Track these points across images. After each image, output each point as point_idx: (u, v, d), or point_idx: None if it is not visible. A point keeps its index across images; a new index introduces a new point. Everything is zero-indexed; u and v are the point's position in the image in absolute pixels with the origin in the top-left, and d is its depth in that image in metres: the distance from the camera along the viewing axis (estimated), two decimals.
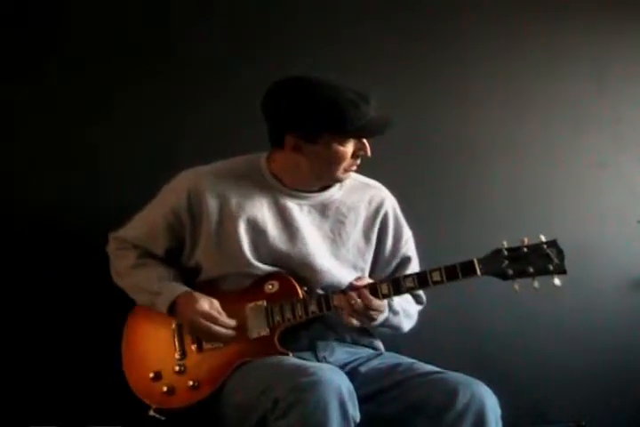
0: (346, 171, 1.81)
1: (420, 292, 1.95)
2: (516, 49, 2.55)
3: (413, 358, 1.87)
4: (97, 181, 2.28)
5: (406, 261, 1.95)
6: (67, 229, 2.23)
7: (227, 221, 1.82)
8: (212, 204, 1.82)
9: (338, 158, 1.76)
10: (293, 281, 1.81)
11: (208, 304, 1.78)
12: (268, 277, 1.82)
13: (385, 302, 1.75)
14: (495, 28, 2.54)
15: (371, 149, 1.78)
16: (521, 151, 2.53)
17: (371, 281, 1.76)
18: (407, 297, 1.91)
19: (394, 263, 1.95)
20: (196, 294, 1.80)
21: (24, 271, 2.20)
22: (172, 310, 1.81)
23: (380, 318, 1.77)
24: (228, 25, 2.38)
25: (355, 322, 1.73)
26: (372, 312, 1.71)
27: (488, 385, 1.69)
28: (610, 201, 2.55)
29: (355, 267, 1.89)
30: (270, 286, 1.81)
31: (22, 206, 2.24)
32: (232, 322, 1.78)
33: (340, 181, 1.85)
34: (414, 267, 1.96)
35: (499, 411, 1.65)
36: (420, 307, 1.97)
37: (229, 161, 1.91)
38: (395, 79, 2.45)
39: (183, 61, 2.35)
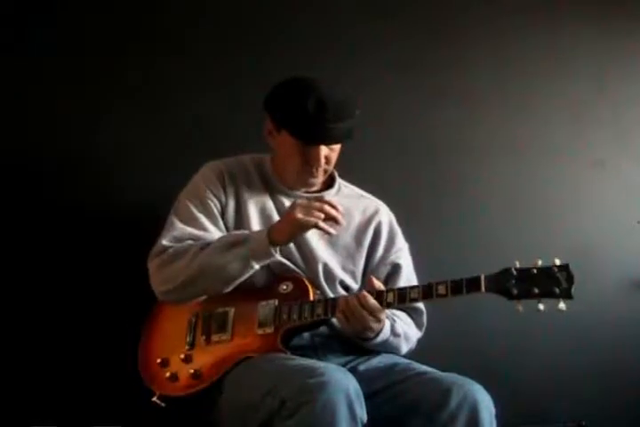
0: (308, 175, 1.86)
1: (424, 317, 1.95)
2: (516, 49, 2.55)
3: (411, 358, 1.88)
4: (96, 182, 2.28)
5: (397, 268, 1.95)
6: (66, 228, 2.23)
7: (241, 206, 1.89)
8: (228, 187, 1.90)
9: (290, 157, 1.84)
10: (308, 284, 1.83)
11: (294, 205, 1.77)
12: (285, 278, 1.85)
13: (384, 317, 1.74)
14: (495, 28, 2.54)
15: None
16: (520, 151, 2.53)
17: (382, 287, 1.75)
18: (408, 321, 1.92)
19: (384, 271, 1.94)
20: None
21: (23, 271, 2.20)
22: (272, 242, 1.75)
23: (378, 338, 1.78)
24: (227, 25, 2.38)
25: (347, 328, 1.73)
26: (368, 317, 1.69)
27: (489, 385, 1.68)
28: (610, 201, 2.55)
29: (344, 268, 1.91)
30: (285, 287, 1.83)
31: (22, 206, 2.24)
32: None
33: (305, 184, 1.90)
34: (406, 275, 1.96)
35: (493, 409, 1.64)
36: (419, 333, 1.96)
37: (241, 157, 1.98)
38: (394, 79, 2.45)
39: (183, 61, 2.35)
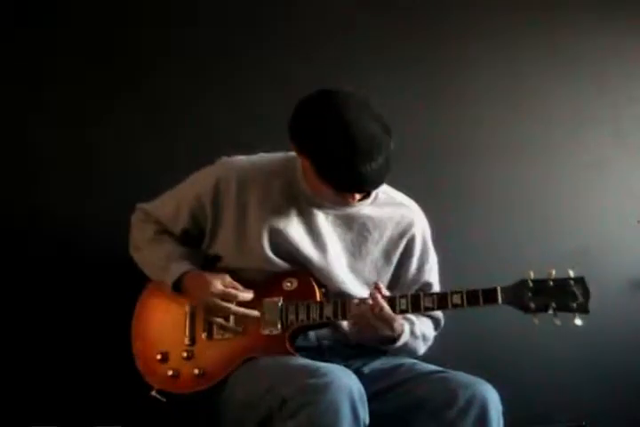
0: (344, 203, 1.76)
1: (440, 316, 1.92)
2: (516, 48, 2.55)
3: (416, 358, 1.87)
4: (96, 182, 2.28)
5: (427, 287, 1.91)
6: (66, 227, 2.23)
7: (248, 216, 1.80)
8: (236, 196, 1.80)
9: (320, 187, 1.71)
10: (313, 282, 1.79)
11: (221, 283, 1.77)
12: (288, 274, 1.80)
13: (401, 321, 1.73)
14: (495, 28, 2.54)
15: None
16: (520, 151, 2.53)
17: (388, 294, 1.73)
18: (427, 321, 1.90)
19: (414, 288, 1.89)
20: (206, 275, 1.79)
21: (22, 270, 2.20)
22: (178, 287, 1.81)
23: (399, 342, 1.76)
24: (227, 25, 2.39)
25: (356, 332, 1.73)
26: (379, 323, 1.68)
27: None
28: (610, 201, 2.55)
29: (368, 283, 1.84)
30: (289, 284, 1.79)
31: (22, 206, 2.24)
32: (250, 295, 1.78)
33: (340, 206, 1.79)
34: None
35: (500, 407, 1.65)
36: (435, 332, 1.94)
37: (270, 156, 1.88)
38: (394, 79, 2.45)
39: (183, 61, 2.36)
